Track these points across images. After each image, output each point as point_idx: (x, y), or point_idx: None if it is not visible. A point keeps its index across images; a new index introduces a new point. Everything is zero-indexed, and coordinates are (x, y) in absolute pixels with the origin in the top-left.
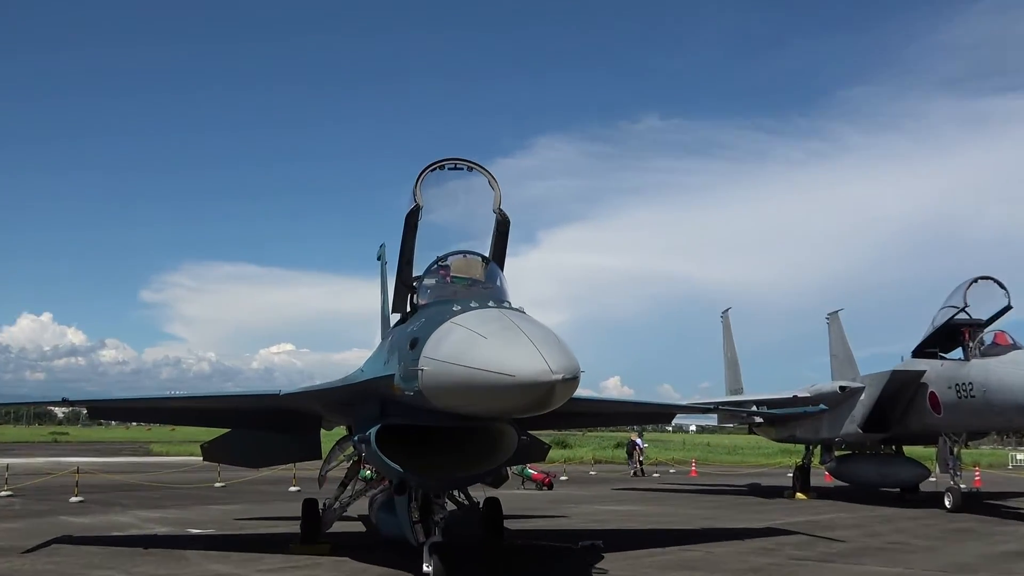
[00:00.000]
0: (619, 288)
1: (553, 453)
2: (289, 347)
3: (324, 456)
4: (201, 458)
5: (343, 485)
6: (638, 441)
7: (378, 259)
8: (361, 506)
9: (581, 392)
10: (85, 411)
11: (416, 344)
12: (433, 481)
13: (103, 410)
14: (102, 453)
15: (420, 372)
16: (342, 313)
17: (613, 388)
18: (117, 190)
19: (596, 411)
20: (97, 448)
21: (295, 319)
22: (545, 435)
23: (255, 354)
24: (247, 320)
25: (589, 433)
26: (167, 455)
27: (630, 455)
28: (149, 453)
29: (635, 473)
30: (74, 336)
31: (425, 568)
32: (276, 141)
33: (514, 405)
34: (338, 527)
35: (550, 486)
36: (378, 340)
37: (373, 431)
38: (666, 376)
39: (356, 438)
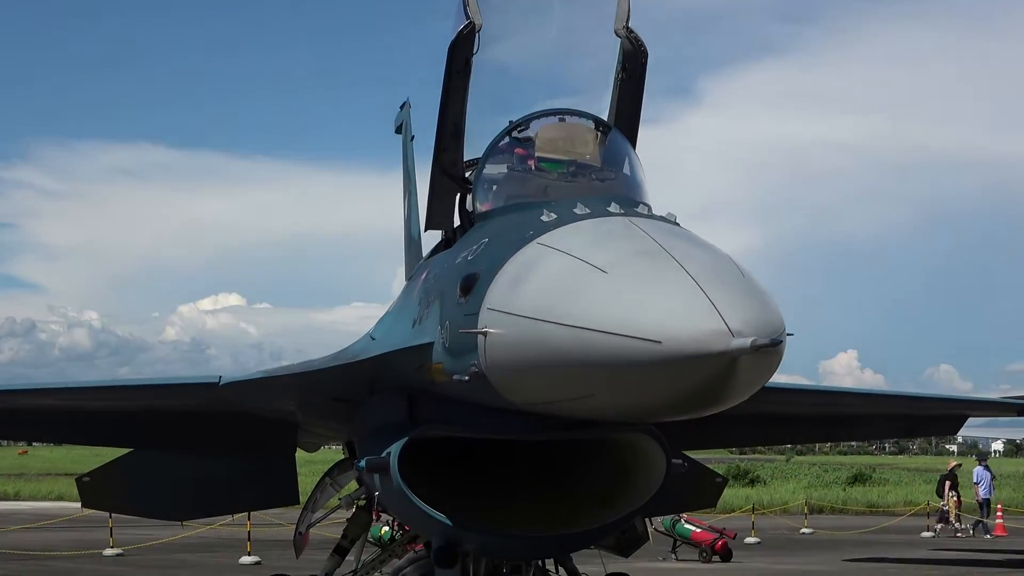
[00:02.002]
0: (855, 184)
1: (731, 494)
2: (235, 300)
3: (304, 499)
4: (79, 503)
5: (339, 552)
6: (980, 471)
7: (397, 131)
8: None
9: (781, 379)
10: None
11: (474, 286)
12: (507, 543)
13: None
14: None
15: (483, 338)
16: (331, 237)
17: (844, 372)
18: None
19: (812, 413)
20: None
21: (245, 249)
22: (714, 458)
23: (171, 314)
24: (156, 252)
25: (798, 457)
26: (16, 498)
27: (941, 493)
28: None
29: (942, 525)
30: None
31: None
32: None
33: (660, 398)
34: None
35: (725, 554)
36: (399, 284)
37: (394, 451)
38: (945, 351)
39: (362, 464)
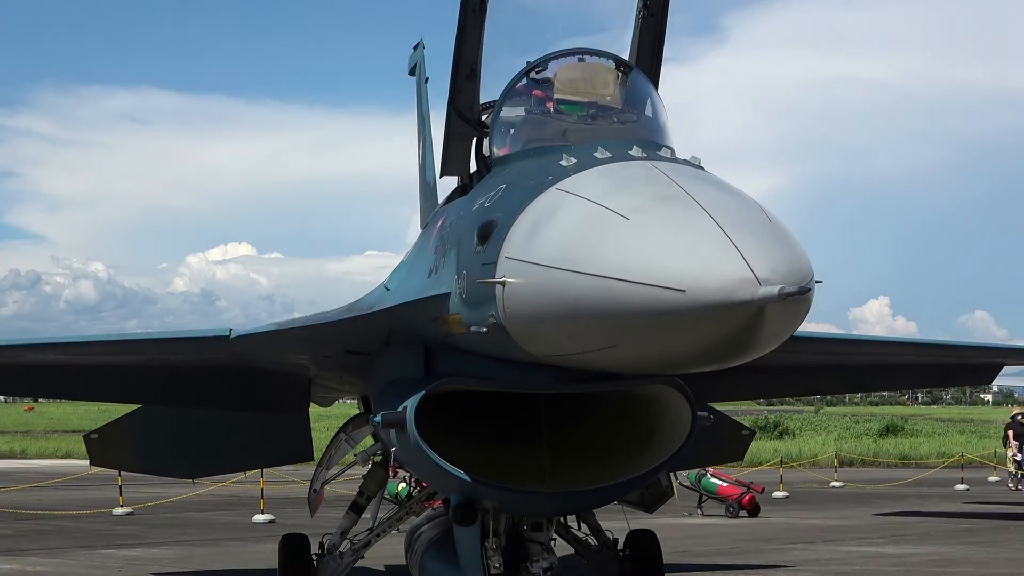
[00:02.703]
0: (888, 123)
1: (759, 447)
2: (245, 250)
3: (319, 456)
4: (87, 461)
5: (355, 510)
6: None
7: (411, 73)
8: (391, 547)
9: (810, 327)
10: None
11: (492, 234)
12: (527, 499)
13: None
14: None
15: (501, 287)
16: (343, 184)
17: (875, 320)
18: None
19: (843, 363)
20: None
21: (255, 197)
22: (742, 411)
23: (179, 264)
24: (163, 201)
25: (828, 408)
26: (23, 456)
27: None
28: None
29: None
30: None
31: None
32: None
33: (684, 349)
34: None
35: (752, 508)
36: (415, 233)
37: (411, 405)
38: (979, 297)
39: (378, 419)
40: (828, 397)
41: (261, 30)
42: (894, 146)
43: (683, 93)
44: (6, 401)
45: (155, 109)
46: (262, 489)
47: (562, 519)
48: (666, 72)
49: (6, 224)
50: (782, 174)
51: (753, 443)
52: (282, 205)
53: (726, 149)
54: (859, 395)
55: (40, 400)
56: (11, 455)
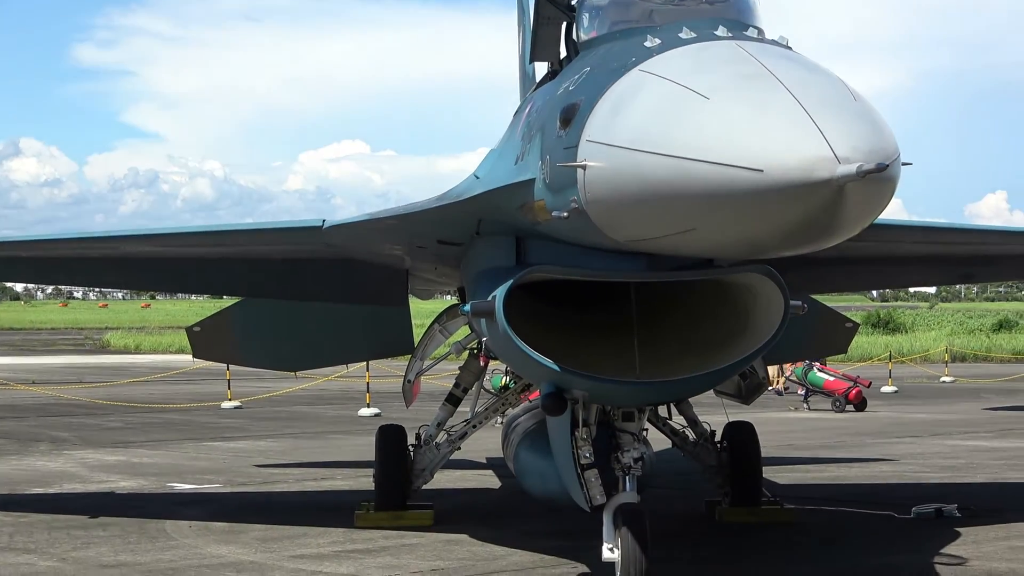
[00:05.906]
0: (1009, 17)
1: (870, 342)
2: (360, 147)
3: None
4: (191, 354)
5: (451, 401)
6: None
7: None
8: (493, 440)
9: (894, 213)
10: None
11: (574, 117)
12: (617, 388)
13: (7, 262)
14: (22, 350)
15: (582, 171)
16: (457, 80)
17: (992, 215)
18: None
19: (943, 252)
20: (13, 342)
21: (369, 95)
22: (854, 307)
23: (293, 162)
24: (279, 99)
25: (943, 304)
26: (136, 351)
27: None
28: (103, 348)
29: None
30: None
31: (606, 553)
32: None
33: (764, 231)
34: (445, 479)
35: (859, 403)
36: None
37: (500, 294)
38: None
39: (467, 308)
40: (944, 292)
41: None
42: (1014, 39)
43: None
44: (124, 298)
45: (269, 7)
46: (367, 383)
47: (659, 411)
48: None
49: (124, 123)
50: (899, 69)
51: (864, 338)
52: (395, 102)
53: (841, 43)
54: (975, 290)
55: (156, 297)
56: (126, 350)
